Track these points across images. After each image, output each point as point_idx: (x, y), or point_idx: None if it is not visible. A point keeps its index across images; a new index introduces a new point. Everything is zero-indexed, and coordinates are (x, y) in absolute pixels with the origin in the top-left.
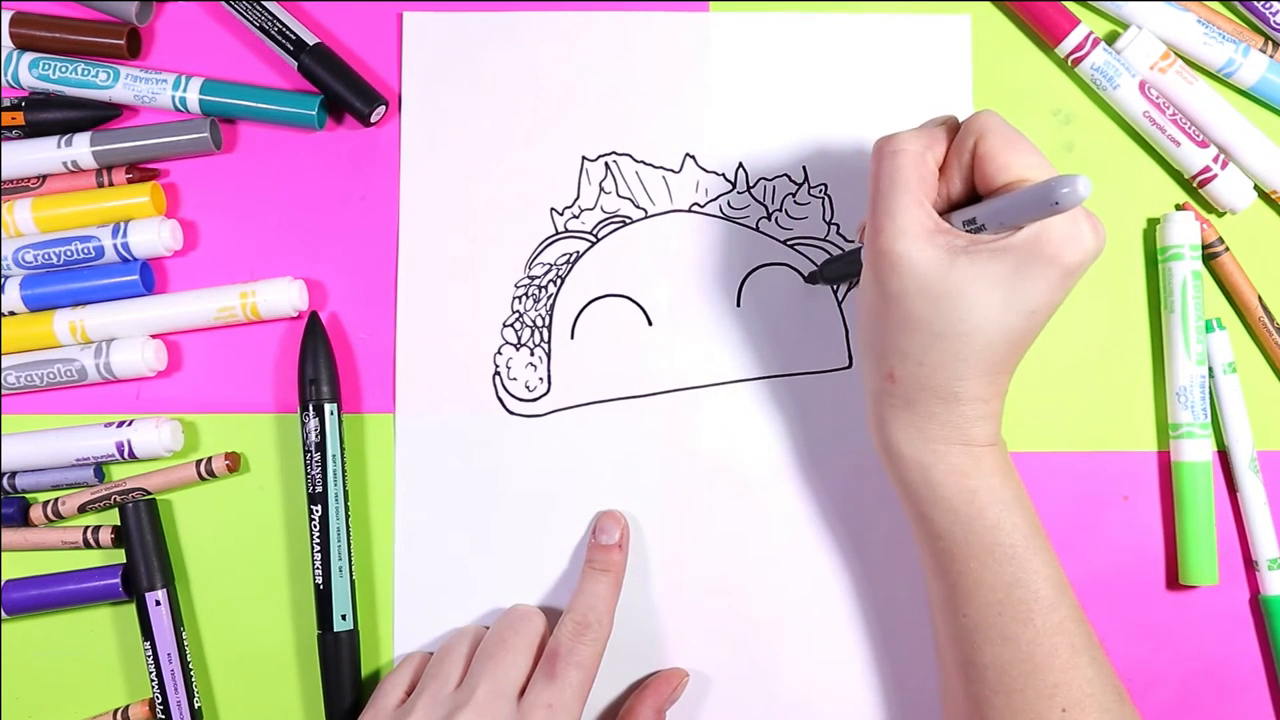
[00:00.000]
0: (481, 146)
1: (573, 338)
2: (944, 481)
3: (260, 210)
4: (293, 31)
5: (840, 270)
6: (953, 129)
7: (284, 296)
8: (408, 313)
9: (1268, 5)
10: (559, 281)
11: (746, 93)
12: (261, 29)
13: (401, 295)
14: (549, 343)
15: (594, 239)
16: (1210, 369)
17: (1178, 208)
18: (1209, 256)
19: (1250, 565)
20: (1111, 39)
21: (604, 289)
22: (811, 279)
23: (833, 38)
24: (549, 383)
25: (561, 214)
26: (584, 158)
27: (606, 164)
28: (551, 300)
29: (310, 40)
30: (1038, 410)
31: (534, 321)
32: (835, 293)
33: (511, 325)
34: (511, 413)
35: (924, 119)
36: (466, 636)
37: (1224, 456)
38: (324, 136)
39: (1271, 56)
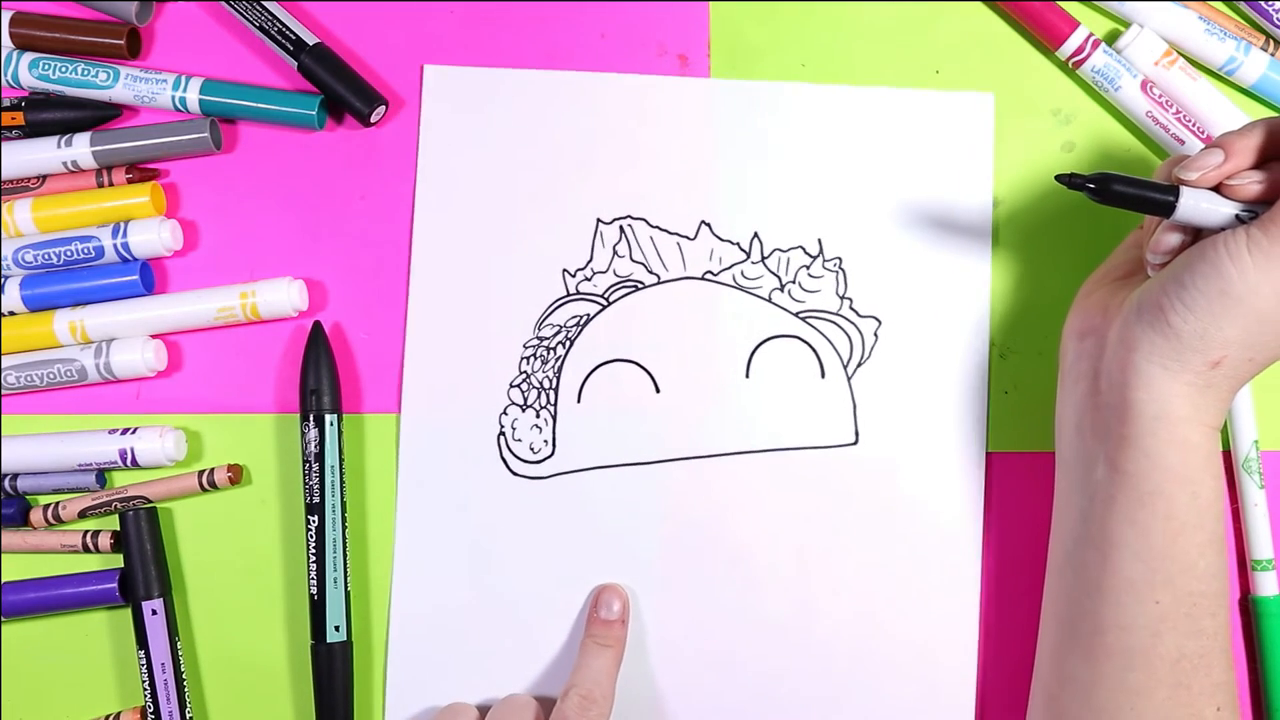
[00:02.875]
0: (496, 205)
1: (579, 401)
2: (1201, 462)
3: (260, 210)
4: (293, 31)
5: (1139, 197)
6: None
7: (284, 296)
8: (415, 375)
9: (1270, 3)
10: (568, 344)
11: (764, 163)
12: (261, 29)
13: (409, 359)
14: (555, 405)
15: (605, 302)
16: None
17: None
18: None
19: (1243, 565)
20: (1113, 37)
21: (613, 353)
22: (1073, 184)
23: (854, 112)
24: (554, 445)
25: (574, 276)
26: (599, 220)
27: (621, 227)
28: (559, 362)
29: (310, 40)
30: (1039, 410)
31: (541, 383)
32: (845, 368)
33: (518, 386)
34: (515, 474)
35: (944, 197)
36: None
37: (1226, 456)
38: (324, 136)
39: (1273, 55)
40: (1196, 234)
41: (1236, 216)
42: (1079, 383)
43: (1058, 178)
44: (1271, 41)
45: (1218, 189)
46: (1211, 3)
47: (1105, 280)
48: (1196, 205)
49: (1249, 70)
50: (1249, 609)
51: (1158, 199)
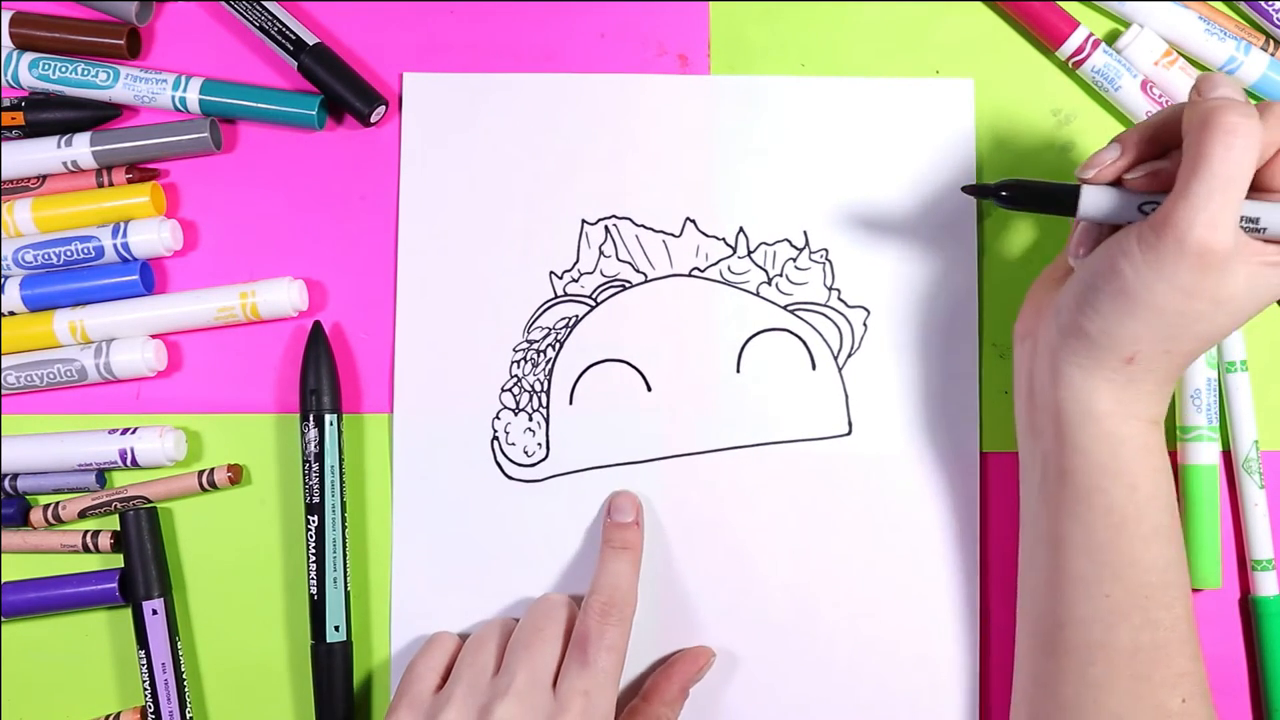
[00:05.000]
0: (481, 209)
1: (571, 403)
2: (1135, 455)
3: (260, 210)
4: (293, 31)
5: (1043, 198)
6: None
7: (284, 296)
8: (406, 383)
9: (1270, 3)
10: (558, 346)
11: (747, 157)
12: (261, 29)
13: (399, 367)
14: (547, 408)
15: (593, 303)
16: (1219, 366)
17: None
18: None
19: (1243, 565)
20: (1113, 37)
21: (603, 353)
22: (980, 193)
23: (834, 102)
24: (547, 448)
25: (561, 277)
26: (584, 221)
27: (606, 227)
28: (550, 365)
29: (310, 40)
30: None
31: (532, 386)
32: (836, 359)
33: (510, 390)
34: (510, 477)
35: (926, 183)
36: (497, 627)
37: (1227, 456)
38: (324, 136)
39: (1273, 55)
40: (1114, 230)
41: (1140, 209)
42: (1021, 384)
43: (964, 189)
44: (1271, 41)
45: (1121, 184)
46: (1211, 3)
47: (1046, 283)
48: (1097, 202)
49: (1249, 70)
50: (1249, 609)
51: (1061, 199)
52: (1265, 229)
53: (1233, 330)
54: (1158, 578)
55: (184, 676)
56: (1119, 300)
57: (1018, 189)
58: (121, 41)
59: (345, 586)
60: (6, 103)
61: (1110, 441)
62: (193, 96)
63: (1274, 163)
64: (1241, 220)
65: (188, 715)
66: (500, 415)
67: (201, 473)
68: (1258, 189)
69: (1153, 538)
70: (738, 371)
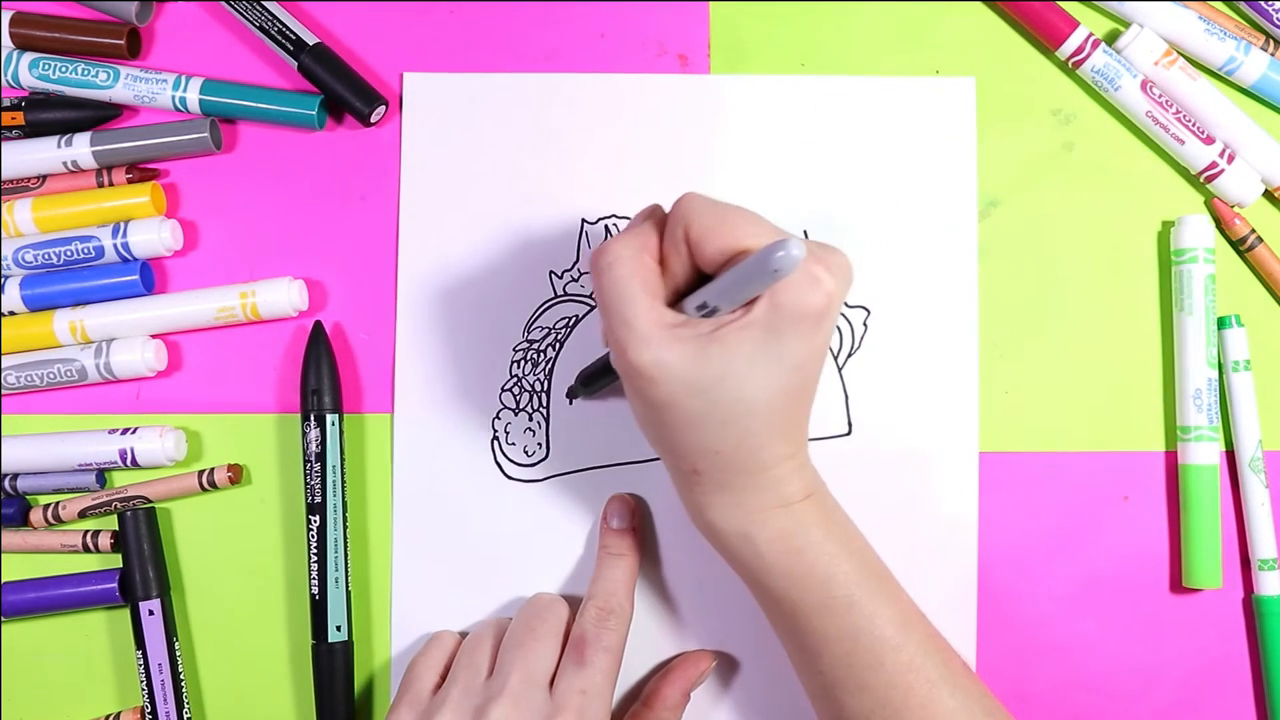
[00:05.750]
0: (481, 209)
1: (571, 403)
2: (770, 548)
3: (260, 210)
4: (293, 31)
5: (600, 379)
6: (660, 220)
7: (284, 296)
8: (406, 383)
9: (1270, 3)
10: (558, 346)
11: (748, 157)
12: (261, 29)
13: (399, 367)
14: (547, 408)
15: (593, 303)
16: (1221, 366)
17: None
18: (1246, 249)
19: (1246, 565)
20: (1113, 37)
21: (603, 353)
22: (571, 394)
23: (836, 101)
24: (547, 448)
25: (560, 277)
26: (584, 220)
27: (606, 227)
28: (550, 364)
29: (310, 40)
30: (1038, 410)
31: (532, 386)
32: (835, 358)
33: (510, 390)
34: (510, 477)
35: (928, 183)
36: (492, 627)
37: (1228, 456)
38: (324, 136)
39: (1272, 54)
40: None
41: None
42: None
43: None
44: (1271, 41)
45: None
46: (1211, 3)
47: None
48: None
49: (1249, 70)
50: (1252, 609)
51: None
52: (718, 308)
53: (774, 402)
54: (851, 645)
55: (182, 676)
56: (640, 425)
57: (582, 380)
58: (121, 41)
59: (346, 586)
60: (6, 103)
61: (742, 543)
62: (193, 96)
63: (695, 250)
64: (699, 311)
65: (185, 715)
66: (500, 415)
67: (201, 473)
68: (710, 273)
69: (826, 613)
70: None
